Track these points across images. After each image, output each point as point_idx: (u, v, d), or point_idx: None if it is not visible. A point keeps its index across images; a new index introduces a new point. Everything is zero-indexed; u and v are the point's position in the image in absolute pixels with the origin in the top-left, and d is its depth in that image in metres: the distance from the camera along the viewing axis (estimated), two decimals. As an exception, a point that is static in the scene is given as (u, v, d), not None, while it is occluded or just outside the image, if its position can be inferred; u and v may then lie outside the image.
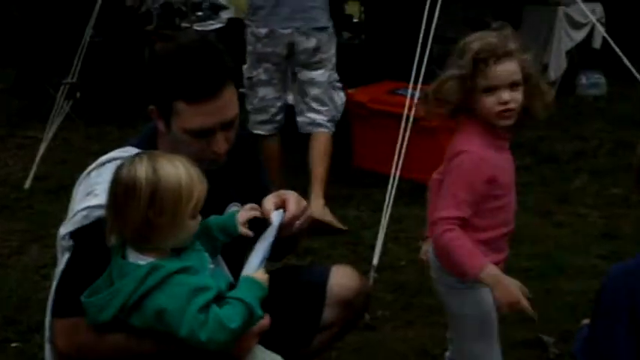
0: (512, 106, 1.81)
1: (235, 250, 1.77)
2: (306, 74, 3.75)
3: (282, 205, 1.74)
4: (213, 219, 1.71)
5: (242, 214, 1.69)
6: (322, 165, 3.70)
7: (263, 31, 3.71)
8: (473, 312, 1.92)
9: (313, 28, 3.71)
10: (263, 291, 1.57)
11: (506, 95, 1.80)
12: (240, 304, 1.51)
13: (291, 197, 1.76)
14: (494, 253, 1.91)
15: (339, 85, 3.87)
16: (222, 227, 1.68)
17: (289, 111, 3.93)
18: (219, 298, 1.52)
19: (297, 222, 1.74)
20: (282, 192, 1.79)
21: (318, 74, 3.76)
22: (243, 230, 1.66)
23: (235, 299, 1.53)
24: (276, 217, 1.71)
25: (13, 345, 2.76)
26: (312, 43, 3.71)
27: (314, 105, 3.76)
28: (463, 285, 1.88)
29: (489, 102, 1.80)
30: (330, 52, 3.79)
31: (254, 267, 1.62)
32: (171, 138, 1.72)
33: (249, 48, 3.81)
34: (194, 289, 1.48)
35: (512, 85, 1.81)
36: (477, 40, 1.83)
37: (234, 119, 1.73)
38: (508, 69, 1.80)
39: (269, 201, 1.74)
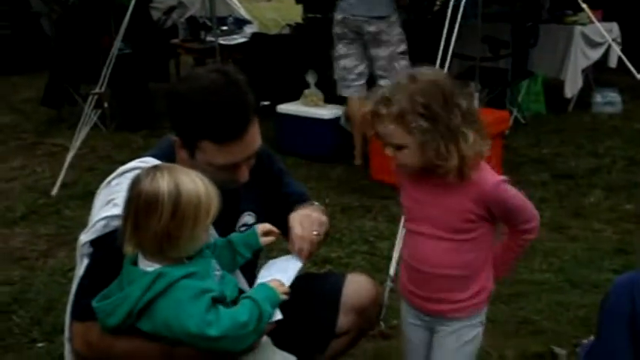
0: (396, 162, 1.74)
1: (252, 268, 1.85)
2: (371, 51, 4.71)
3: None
4: (235, 236, 1.77)
5: (260, 225, 1.77)
6: None
7: (339, 17, 4.75)
8: None
9: (373, 17, 4.60)
10: (273, 293, 1.62)
11: (388, 151, 1.73)
12: (249, 301, 1.58)
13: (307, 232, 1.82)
14: (404, 272, 1.89)
15: (402, 56, 4.72)
16: (245, 242, 1.74)
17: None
18: (222, 302, 1.56)
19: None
20: (301, 220, 1.84)
21: (380, 50, 4.69)
22: (265, 239, 1.75)
23: (244, 298, 1.60)
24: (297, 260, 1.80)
25: (39, 345, 2.84)
26: (372, 27, 4.62)
27: (380, 73, 4.71)
28: None
29: None
30: (392, 34, 4.66)
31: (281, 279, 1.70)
32: (192, 163, 1.72)
33: (333, 30, 4.85)
34: (199, 292, 1.51)
35: (394, 145, 1.71)
36: (383, 88, 1.75)
37: (257, 151, 1.77)
38: (382, 130, 1.71)
39: (294, 241, 1.81)
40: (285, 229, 1.85)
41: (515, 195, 1.76)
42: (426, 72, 1.73)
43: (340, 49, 4.80)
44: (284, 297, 1.64)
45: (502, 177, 1.75)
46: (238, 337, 1.53)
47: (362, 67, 4.82)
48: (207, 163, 1.71)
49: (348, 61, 4.80)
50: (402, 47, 4.74)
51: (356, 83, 4.83)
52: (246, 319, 1.53)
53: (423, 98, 1.65)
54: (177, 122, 1.74)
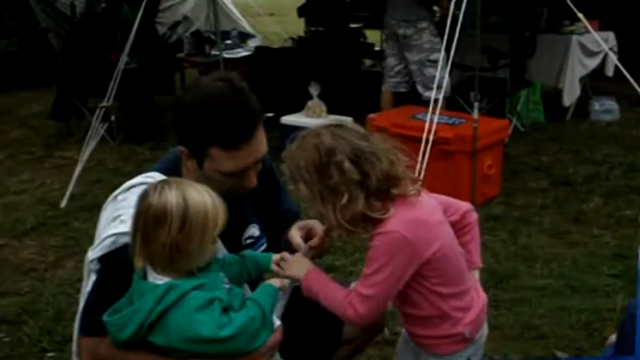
0: None
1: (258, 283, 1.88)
2: (405, 54, 5.30)
3: (308, 236, 1.83)
4: (249, 253, 1.80)
5: (276, 255, 1.78)
6: None
7: (385, 20, 5.37)
8: None
9: (404, 20, 5.15)
10: (269, 286, 1.66)
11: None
12: (248, 300, 1.61)
13: (316, 227, 1.84)
14: None
15: (430, 64, 5.10)
16: (257, 263, 1.76)
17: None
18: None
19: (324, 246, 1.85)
20: (305, 223, 1.86)
21: (411, 55, 5.24)
22: (276, 267, 1.75)
23: (248, 299, 1.64)
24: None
25: (49, 355, 2.88)
26: (401, 31, 5.19)
27: (415, 77, 5.29)
28: None
29: None
30: (421, 40, 5.15)
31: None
32: (199, 174, 1.73)
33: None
34: (209, 300, 1.52)
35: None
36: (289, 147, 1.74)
37: (264, 156, 1.78)
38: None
39: (296, 235, 1.83)
40: (279, 244, 1.90)
41: (380, 255, 1.61)
42: (316, 132, 1.66)
43: (386, 48, 5.50)
44: (277, 284, 1.67)
45: (395, 230, 1.60)
46: (249, 333, 1.56)
47: (400, 67, 5.43)
48: (215, 170, 1.72)
49: (390, 60, 5.45)
50: (434, 56, 5.04)
51: (392, 80, 5.49)
52: (252, 314, 1.57)
53: (303, 162, 1.63)
54: (184, 131, 1.74)
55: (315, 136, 1.65)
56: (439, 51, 4.99)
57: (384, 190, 1.62)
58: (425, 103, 4.98)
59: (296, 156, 1.64)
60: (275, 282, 1.69)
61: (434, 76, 4.98)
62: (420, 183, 1.70)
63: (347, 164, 1.59)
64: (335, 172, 1.60)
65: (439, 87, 4.86)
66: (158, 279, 1.55)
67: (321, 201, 1.62)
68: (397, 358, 1.96)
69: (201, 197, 1.54)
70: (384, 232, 1.61)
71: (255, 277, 1.78)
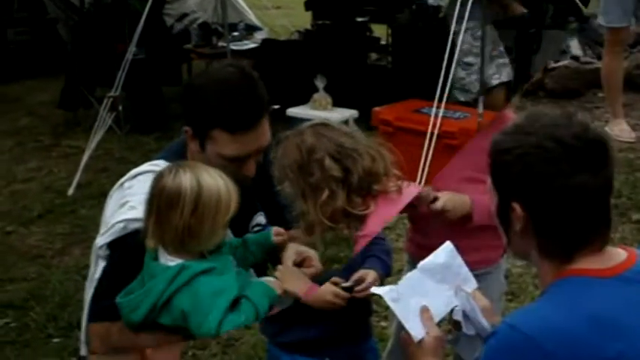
0: None
1: (264, 269, 1.89)
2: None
3: (302, 262, 1.79)
4: (249, 236, 1.81)
5: (275, 228, 1.79)
6: None
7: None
8: None
9: (449, 14, 4.82)
10: (268, 288, 1.66)
11: None
12: (245, 300, 1.61)
13: (313, 256, 1.80)
14: None
15: (462, 65, 4.59)
16: (258, 241, 1.77)
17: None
18: (238, 299, 1.60)
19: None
20: (303, 250, 1.81)
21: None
22: (276, 239, 1.76)
23: (245, 298, 1.63)
24: None
25: (55, 340, 2.94)
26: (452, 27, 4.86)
27: None
28: None
29: None
30: (460, 39, 4.69)
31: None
32: (203, 157, 1.73)
33: None
34: (217, 290, 1.54)
35: None
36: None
37: (267, 146, 1.77)
38: None
39: (290, 258, 1.78)
40: None
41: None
42: (300, 131, 1.71)
43: None
44: (279, 290, 1.68)
45: (372, 232, 1.67)
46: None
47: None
48: (217, 154, 1.72)
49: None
50: (468, 58, 4.79)
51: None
52: (243, 319, 1.57)
53: (287, 161, 1.68)
54: (190, 111, 1.76)
55: (298, 135, 1.69)
56: (475, 55, 4.84)
57: (366, 187, 1.66)
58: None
59: (280, 156, 1.69)
60: (278, 287, 1.68)
61: (462, 78, 4.92)
62: (403, 180, 1.73)
63: (328, 161, 1.64)
64: (316, 169, 1.63)
65: (467, 91, 4.79)
66: (170, 260, 1.57)
67: (303, 198, 1.65)
68: (389, 355, 2.00)
69: (215, 181, 1.56)
70: (366, 234, 1.67)
71: (261, 259, 1.79)
